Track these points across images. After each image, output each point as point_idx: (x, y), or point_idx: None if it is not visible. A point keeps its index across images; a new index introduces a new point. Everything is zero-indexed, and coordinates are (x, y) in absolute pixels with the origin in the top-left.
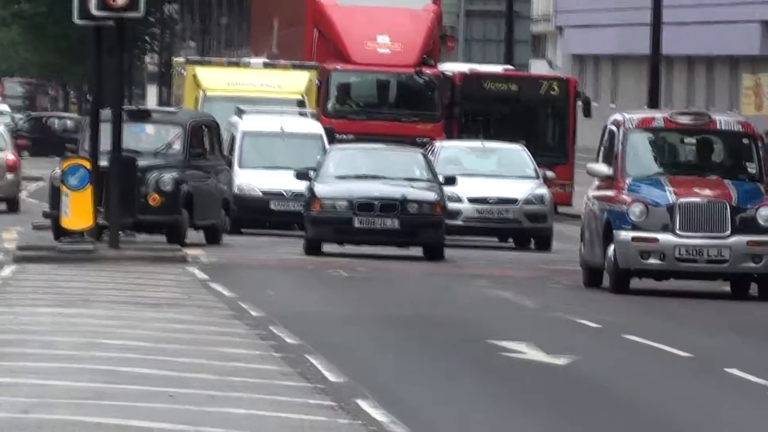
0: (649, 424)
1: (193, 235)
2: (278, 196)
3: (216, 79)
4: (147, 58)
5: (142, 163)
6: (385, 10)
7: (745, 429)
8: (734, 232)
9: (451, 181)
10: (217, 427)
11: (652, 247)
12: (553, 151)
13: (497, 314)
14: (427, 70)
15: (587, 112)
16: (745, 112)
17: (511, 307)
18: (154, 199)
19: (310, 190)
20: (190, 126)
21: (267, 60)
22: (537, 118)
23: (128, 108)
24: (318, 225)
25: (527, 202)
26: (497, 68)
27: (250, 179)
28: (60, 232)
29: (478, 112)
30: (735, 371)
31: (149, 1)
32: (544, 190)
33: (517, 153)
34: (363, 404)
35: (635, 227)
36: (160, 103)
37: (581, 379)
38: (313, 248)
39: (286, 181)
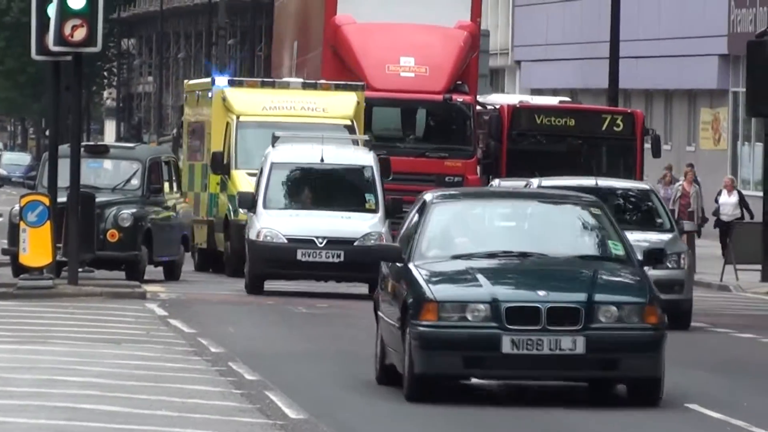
0: None
1: (153, 271)
2: (307, 243)
3: (250, 102)
4: (105, 94)
5: (100, 198)
6: (410, 27)
7: None
8: None
9: (655, 256)
10: None
11: None
12: None
13: None
14: (459, 98)
15: (657, 152)
16: (703, 146)
17: None
18: (113, 235)
19: (412, 284)
20: (149, 162)
21: (306, 80)
22: (598, 158)
23: (86, 143)
24: (436, 352)
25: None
26: (552, 100)
27: (273, 223)
28: (19, 269)
29: (530, 150)
30: (696, 407)
31: (107, 36)
32: (681, 248)
33: (644, 195)
34: None
35: None
36: (119, 138)
37: (530, 408)
38: (425, 390)
39: (318, 225)
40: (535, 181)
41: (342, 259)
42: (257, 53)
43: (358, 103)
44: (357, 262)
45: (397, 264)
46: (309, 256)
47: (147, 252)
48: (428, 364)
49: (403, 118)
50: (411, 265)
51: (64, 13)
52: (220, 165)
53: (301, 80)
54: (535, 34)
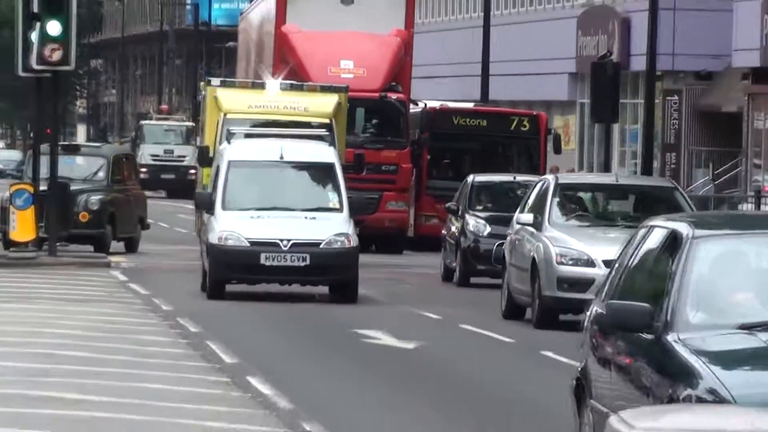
0: (480, 395)
1: (116, 246)
2: (271, 246)
3: (238, 101)
4: (77, 103)
5: (74, 187)
6: (349, 34)
7: (555, 397)
8: None
9: None
10: (134, 398)
11: None
12: None
13: (358, 308)
14: (393, 96)
15: (557, 149)
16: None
17: (369, 302)
18: (84, 216)
19: (684, 372)
20: (112, 158)
21: (294, 81)
22: (507, 154)
23: (62, 143)
24: None
25: None
26: (468, 104)
27: (234, 225)
28: (8, 243)
29: (449, 147)
30: (549, 353)
31: (78, 57)
32: None
33: (667, 193)
34: (252, 380)
35: None
36: (88, 139)
37: (426, 360)
38: None
39: (282, 227)
40: (549, 178)
41: (307, 262)
42: (199, 71)
43: (340, 103)
44: (322, 266)
45: (642, 335)
46: (273, 260)
47: (111, 230)
48: None
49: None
50: (672, 339)
51: (44, 38)
52: (206, 158)
53: (290, 82)
54: (419, 56)
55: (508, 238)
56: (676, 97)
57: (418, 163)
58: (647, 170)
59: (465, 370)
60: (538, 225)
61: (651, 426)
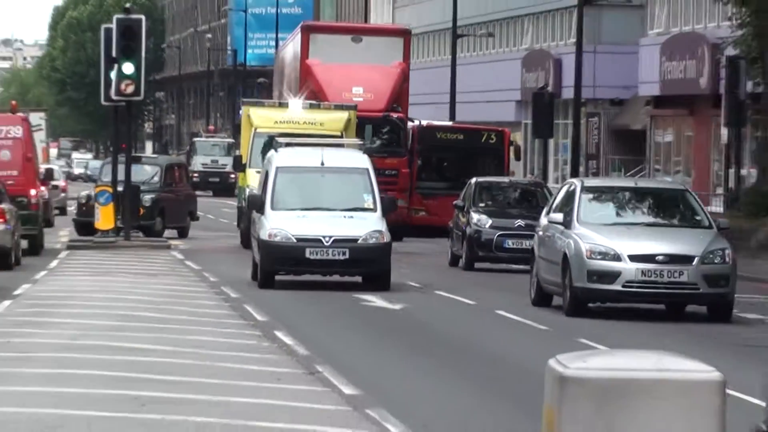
0: (454, 345)
1: (171, 232)
2: (315, 242)
3: (266, 118)
4: (146, 125)
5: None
6: (360, 66)
7: (504, 346)
8: None
9: None
10: (189, 347)
11: None
12: None
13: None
14: (395, 115)
15: (518, 157)
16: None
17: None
18: (140, 211)
19: None
20: (166, 166)
21: (313, 101)
22: (479, 161)
23: (133, 155)
24: None
25: (706, 260)
26: (448, 123)
27: (282, 224)
28: (82, 231)
29: (433, 155)
30: (503, 312)
31: (146, 90)
32: (724, 244)
33: (680, 195)
34: (279, 334)
35: None
36: (153, 152)
37: (411, 318)
38: None
39: (324, 225)
40: (576, 181)
41: (347, 256)
42: (237, 102)
43: (349, 119)
44: (360, 259)
45: None
46: (317, 254)
47: (161, 221)
48: None
49: (356, 130)
50: None
51: (121, 76)
52: (239, 165)
53: (309, 102)
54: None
55: (536, 234)
56: (596, 118)
57: (411, 168)
58: (575, 174)
59: (437, 325)
60: (567, 223)
61: (582, 366)
